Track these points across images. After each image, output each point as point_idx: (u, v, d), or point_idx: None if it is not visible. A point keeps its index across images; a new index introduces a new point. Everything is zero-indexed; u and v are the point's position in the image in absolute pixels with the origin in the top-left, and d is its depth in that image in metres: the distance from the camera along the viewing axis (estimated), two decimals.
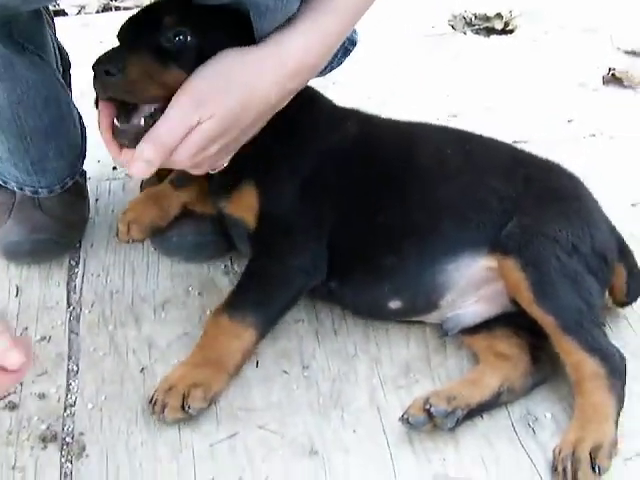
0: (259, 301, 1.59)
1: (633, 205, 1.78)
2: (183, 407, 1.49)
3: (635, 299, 1.66)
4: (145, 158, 1.40)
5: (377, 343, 1.65)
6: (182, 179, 1.75)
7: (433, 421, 1.45)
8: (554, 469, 1.41)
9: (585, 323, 1.48)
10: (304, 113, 1.66)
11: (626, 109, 2.20)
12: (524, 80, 2.31)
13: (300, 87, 1.51)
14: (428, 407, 1.45)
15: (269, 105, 1.48)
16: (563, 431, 1.47)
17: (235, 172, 1.61)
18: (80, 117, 1.83)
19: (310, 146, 1.66)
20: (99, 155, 2.04)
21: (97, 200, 1.98)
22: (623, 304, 1.66)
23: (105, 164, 2.07)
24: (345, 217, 1.62)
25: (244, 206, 1.64)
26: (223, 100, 1.43)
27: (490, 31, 2.51)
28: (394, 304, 1.61)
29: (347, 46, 1.85)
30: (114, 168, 2.05)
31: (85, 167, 1.93)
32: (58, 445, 1.50)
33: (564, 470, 1.39)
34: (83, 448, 1.49)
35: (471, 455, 1.45)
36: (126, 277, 1.80)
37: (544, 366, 1.55)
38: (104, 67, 1.46)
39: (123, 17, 2.63)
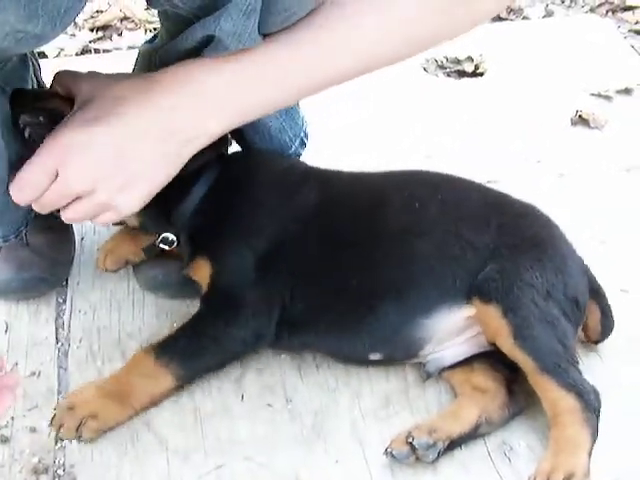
0: (189, 354, 1.63)
1: (602, 243, 1.85)
2: (77, 430, 1.56)
3: (607, 335, 1.71)
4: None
5: (358, 377, 1.70)
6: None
7: (416, 454, 1.50)
8: None
9: (562, 364, 1.54)
10: (256, 180, 1.72)
11: (593, 149, 2.28)
12: (494, 121, 2.37)
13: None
14: (411, 440, 1.50)
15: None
16: (538, 459, 1.53)
17: (190, 244, 1.70)
18: None
19: (265, 217, 1.69)
20: None
21: (82, 239, 2.01)
22: (597, 341, 1.72)
23: None
24: (313, 280, 1.65)
25: (198, 275, 1.70)
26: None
27: (461, 74, 2.58)
28: (374, 356, 1.66)
29: (302, 138, 1.90)
30: None
31: None
32: (50, 478, 1.54)
33: None
34: None
35: None
36: (112, 314, 1.84)
37: (519, 398, 1.60)
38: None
39: (103, 60, 2.72)
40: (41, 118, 1.58)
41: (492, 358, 1.63)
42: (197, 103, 1.49)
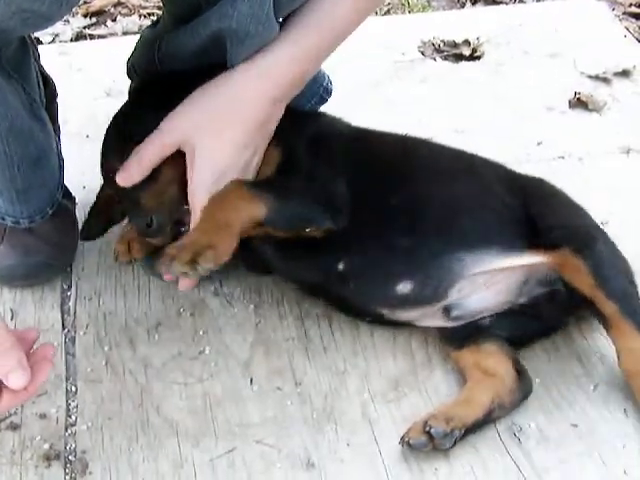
0: (278, 193, 1.62)
1: (602, 224, 1.85)
2: (192, 263, 1.48)
3: None
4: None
5: (365, 358, 1.71)
6: None
7: (433, 442, 1.50)
8: None
9: (637, 305, 1.58)
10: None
11: (592, 131, 2.29)
12: (493, 104, 2.38)
13: (287, 100, 1.59)
14: (428, 429, 1.50)
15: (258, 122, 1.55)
16: (547, 439, 1.55)
17: None
18: (59, 147, 1.87)
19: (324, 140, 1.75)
20: (85, 181, 2.10)
21: None
22: None
23: (91, 190, 2.09)
24: (359, 196, 1.66)
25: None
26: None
27: (458, 57, 2.58)
28: (404, 287, 1.63)
29: (322, 94, 1.92)
30: None
31: (72, 193, 1.98)
32: (62, 463, 1.54)
33: None
34: (86, 466, 1.54)
35: (461, 464, 1.52)
36: (118, 299, 1.84)
37: (528, 379, 1.61)
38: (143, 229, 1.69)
39: (100, 45, 2.72)
40: None
41: (499, 337, 1.64)
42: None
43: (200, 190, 1.60)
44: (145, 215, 1.67)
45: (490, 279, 1.64)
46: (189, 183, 1.62)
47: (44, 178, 1.76)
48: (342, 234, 1.63)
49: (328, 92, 1.98)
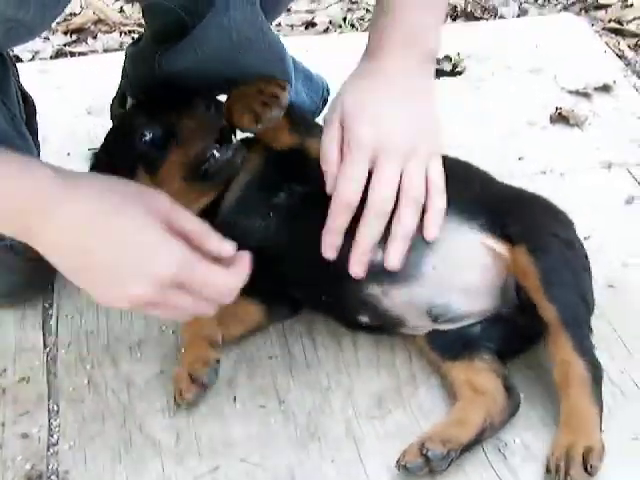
0: None
1: (584, 239, 1.86)
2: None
3: None
4: None
5: (349, 375, 1.70)
6: None
7: (430, 465, 1.48)
8: (547, 470, 1.48)
9: (581, 321, 1.57)
10: None
11: (574, 147, 2.30)
12: (474, 119, 2.38)
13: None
14: (425, 452, 1.48)
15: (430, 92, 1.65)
16: (532, 455, 1.54)
17: None
18: None
19: None
20: None
21: None
22: None
23: None
24: None
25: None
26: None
27: (440, 73, 2.58)
28: (379, 254, 1.61)
29: (325, 96, 1.95)
30: None
31: None
32: None
33: (557, 468, 1.46)
34: None
35: None
36: (100, 318, 1.83)
37: (516, 396, 1.60)
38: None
39: (80, 63, 2.71)
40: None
41: (489, 350, 1.64)
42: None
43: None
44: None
45: (464, 266, 1.63)
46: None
47: None
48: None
49: (329, 92, 2.01)
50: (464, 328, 1.66)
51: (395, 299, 1.64)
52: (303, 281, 1.69)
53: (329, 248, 1.59)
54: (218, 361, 1.64)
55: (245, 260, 1.45)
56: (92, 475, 1.54)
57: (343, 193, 1.57)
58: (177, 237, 1.38)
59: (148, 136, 1.64)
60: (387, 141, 1.57)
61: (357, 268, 1.58)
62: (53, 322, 1.83)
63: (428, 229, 1.60)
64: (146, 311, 1.43)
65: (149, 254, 1.37)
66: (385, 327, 1.70)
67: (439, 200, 1.60)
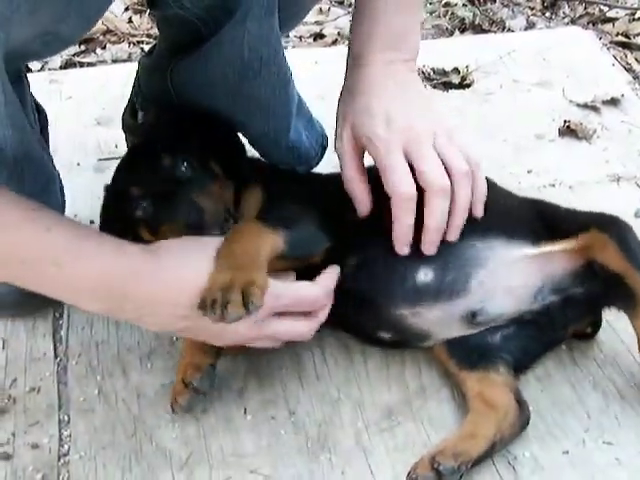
0: (290, 217, 1.63)
1: None
2: (244, 304, 1.43)
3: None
4: None
5: (359, 387, 1.71)
6: None
7: (440, 479, 1.48)
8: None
9: None
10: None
11: (582, 160, 2.30)
12: (483, 132, 2.39)
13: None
14: (437, 466, 1.48)
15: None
16: (541, 468, 1.55)
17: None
18: (58, 174, 1.87)
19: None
20: (76, 210, 2.09)
21: None
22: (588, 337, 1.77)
23: (82, 218, 2.09)
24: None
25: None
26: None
27: (448, 85, 2.60)
28: (425, 275, 1.63)
29: (324, 145, 1.96)
30: (91, 222, 2.08)
31: None
32: None
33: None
34: None
35: None
36: (110, 328, 1.84)
37: (527, 410, 1.61)
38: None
39: (89, 73, 2.72)
40: None
41: (505, 363, 1.64)
42: None
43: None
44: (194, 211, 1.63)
45: (509, 275, 1.64)
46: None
47: (50, 204, 1.75)
48: (353, 232, 1.68)
49: (327, 143, 2.02)
50: (485, 337, 1.67)
51: (429, 316, 1.65)
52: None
53: (404, 246, 1.62)
54: (213, 366, 1.64)
55: (334, 272, 1.61)
56: None
57: (397, 189, 1.58)
58: None
59: (140, 210, 1.66)
60: (409, 131, 1.59)
61: (430, 248, 1.61)
62: (64, 332, 1.83)
63: (477, 207, 1.64)
64: (250, 345, 1.59)
65: None
66: (407, 342, 1.71)
67: (479, 173, 1.65)
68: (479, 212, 1.64)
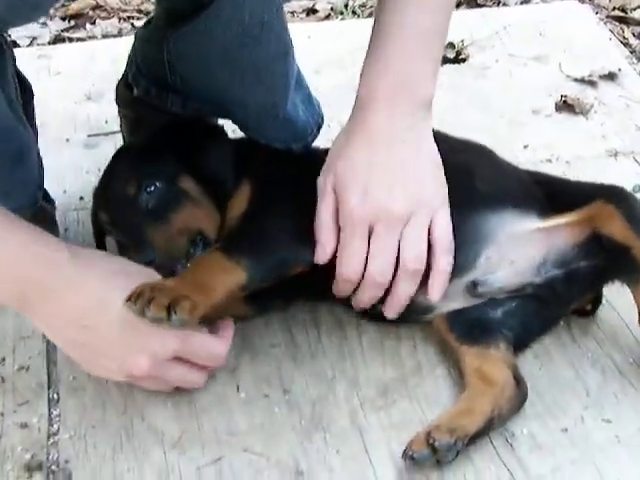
0: (256, 247, 1.60)
1: None
2: (169, 309, 1.44)
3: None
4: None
5: (354, 365, 1.68)
6: None
7: (437, 455, 1.45)
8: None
9: None
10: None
11: (579, 135, 2.27)
12: (479, 107, 2.36)
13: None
14: (432, 441, 1.45)
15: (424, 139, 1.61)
16: (540, 445, 1.53)
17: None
18: (38, 149, 1.83)
19: None
20: (65, 185, 2.07)
21: (66, 230, 1.98)
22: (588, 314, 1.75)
23: (71, 194, 2.07)
24: None
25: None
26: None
27: (443, 60, 2.54)
28: None
29: (319, 122, 1.93)
30: (81, 198, 2.06)
31: (52, 197, 1.95)
32: (44, 474, 1.51)
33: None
34: (69, 476, 1.51)
35: (453, 472, 1.49)
36: None
37: (524, 387, 1.58)
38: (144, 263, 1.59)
39: (79, 49, 2.68)
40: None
41: (505, 339, 1.63)
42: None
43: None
44: (150, 250, 1.61)
45: (516, 249, 1.63)
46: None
47: (25, 177, 1.73)
48: None
49: (323, 120, 1.99)
50: (487, 312, 1.65)
51: None
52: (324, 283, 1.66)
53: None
54: None
55: (229, 326, 1.60)
56: (93, 464, 1.52)
57: (343, 271, 1.58)
58: None
59: (108, 234, 1.72)
60: (381, 211, 1.55)
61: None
62: None
63: (433, 290, 1.60)
64: (137, 383, 1.55)
65: (151, 332, 1.47)
66: (409, 315, 1.67)
67: (444, 261, 1.58)
68: (433, 298, 1.60)
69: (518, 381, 1.58)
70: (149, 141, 1.80)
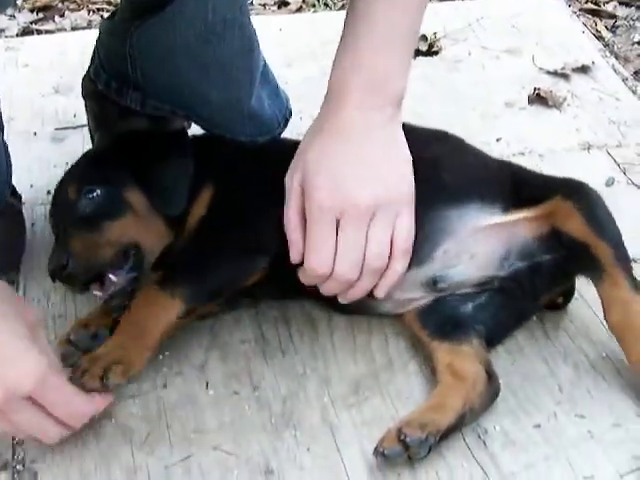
0: (192, 274, 1.59)
1: None
2: (102, 378, 1.46)
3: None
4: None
5: (325, 361, 1.66)
6: None
7: (408, 452, 1.44)
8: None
9: (629, 260, 1.59)
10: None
11: (552, 128, 2.27)
12: (451, 100, 2.35)
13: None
14: (403, 437, 1.44)
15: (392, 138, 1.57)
16: (512, 442, 1.51)
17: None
18: (5, 143, 1.80)
19: None
20: (32, 179, 2.04)
21: (33, 225, 1.95)
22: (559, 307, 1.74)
23: (38, 188, 2.04)
24: None
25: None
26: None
27: (415, 52, 2.53)
28: None
29: (287, 116, 1.91)
30: (48, 192, 2.02)
31: (19, 192, 1.92)
32: (9, 473, 1.48)
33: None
34: (35, 475, 1.48)
35: (426, 469, 1.47)
36: (68, 302, 1.78)
37: (497, 382, 1.57)
38: (54, 266, 1.59)
39: (47, 41, 2.65)
40: None
41: (477, 334, 1.61)
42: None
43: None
44: (65, 255, 1.59)
45: (476, 243, 1.61)
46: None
47: None
48: None
49: (291, 114, 1.96)
50: (457, 307, 1.64)
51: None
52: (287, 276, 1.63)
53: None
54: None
55: (108, 398, 1.50)
56: (59, 464, 1.49)
57: (311, 267, 1.55)
58: (43, 354, 1.39)
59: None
60: (348, 205, 1.51)
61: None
62: None
63: (379, 289, 1.58)
64: None
65: (10, 360, 1.36)
66: (367, 305, 1.66)
67: (398, 264, 1.56)
68: (378, 295, 1.59)
69: (490, 376, 1.56)
70: (108, 147, 1.79)
